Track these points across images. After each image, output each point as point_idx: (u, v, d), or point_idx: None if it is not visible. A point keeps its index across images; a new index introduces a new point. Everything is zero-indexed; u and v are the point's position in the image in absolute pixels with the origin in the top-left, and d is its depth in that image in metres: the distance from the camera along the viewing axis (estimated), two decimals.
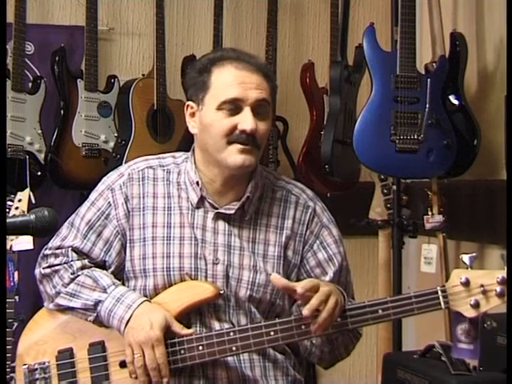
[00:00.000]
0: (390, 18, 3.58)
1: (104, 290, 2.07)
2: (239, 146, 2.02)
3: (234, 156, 2.03)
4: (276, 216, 2.13)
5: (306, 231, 2.14)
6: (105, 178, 2.18)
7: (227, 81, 2.04)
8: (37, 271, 2.19)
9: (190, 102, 2.12)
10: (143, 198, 2.12)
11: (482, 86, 3.46)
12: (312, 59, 3.82)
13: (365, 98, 3.25)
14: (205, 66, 2.09)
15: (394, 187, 3.40)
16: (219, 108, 2.03)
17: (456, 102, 3.33)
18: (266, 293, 2.08)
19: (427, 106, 3.17)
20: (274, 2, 3.77)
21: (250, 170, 2.11)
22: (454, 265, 3.30)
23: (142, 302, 2.04)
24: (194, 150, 2.16)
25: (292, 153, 3.80)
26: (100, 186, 2.17)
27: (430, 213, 3.33)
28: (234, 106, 2.03)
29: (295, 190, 2.18)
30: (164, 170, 2.15)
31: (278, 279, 1.97)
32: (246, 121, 2.01)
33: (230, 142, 2.03)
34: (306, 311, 1.92)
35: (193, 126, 2.12)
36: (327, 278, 2.11)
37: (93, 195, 2.17)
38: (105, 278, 2.10)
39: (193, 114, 2.11)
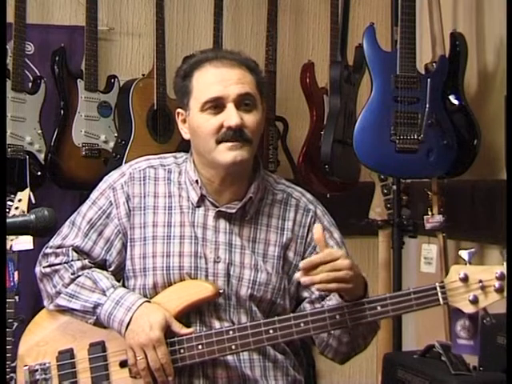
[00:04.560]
0: (390, 18, 3.58)
1: (103, 293, 2.07)
2: (228, 144, 2.01)
3: (224, 154, 2.02)
4: (276, 217, 2.13)
5: (308, 233, 2.14)
6: (106, 177, 2.19)
7: (207, 81, 2.04)
8: (37, 270, 2.19)
9: (179, 110, 2.13)
10: (144, 197, 2.12)
11: (481, 86, 3.46)
12: (312, 59, 3.82)
13: (365, 98, 3.25)
14: (186, 71, 2.09)
15: (394, 187, 3.40)
16: (203, 109, 2.04)
17: (456, 101, 3.33)
18: (267, 292, 2.08)
19: (427, 106, 3.17)
20: (273, 2, 3.77)
21: (250, 170, 2.11)
22: (453, 265, 3.29)
23: (141, 304, 2.04)
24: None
25: (292, 153, 3.80)
26: (101, 185, 2.17)
27: (430, 213, 3.33)
28: (216, 105, 2.02)
29: (295, 194, 2.18)
30: (165, 169, 2.16)
31: (318, 229, 1.95)
32: (229, 117, 2.01)
33: (218, 141, 2.02)
34: (301, 263, 1.91)
35: (185, 132, 2.13)
36: None
37: (94, 194, 2.17)
38: (104, 279, 2.10)
39: (184, 121, 2.12)
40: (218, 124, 2.02)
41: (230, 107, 2.02)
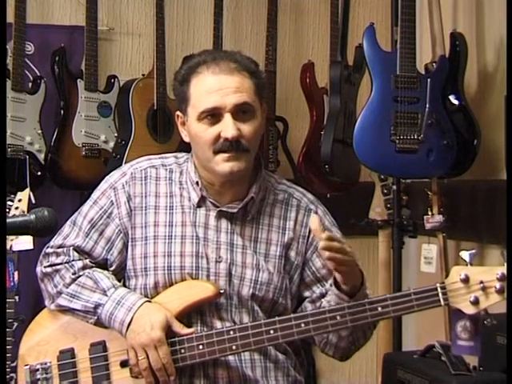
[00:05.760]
0: (390, 18, 3.58)
1: (104, 293, 2.08)
2: (224, 155, 2.01)
3: (221, 165, 2.02)
4: (278, 217, 2.13)
5: (310, 233, 2.14)
6: (107, 176, 2.19)
7: (204, 90, 2.02)
8: (38, 269, 2.19)
9: (178, 113, 2.13)
10: (145, 197, 2.12)
11: (481, 86, 3.46)
12: (312, 59, 3.82)
13: (365, 98, 3.25)
14: (184, 76, 2.08)
15: (394, 187, 3.40)
16: (200, 119, 2.03)
17: (456, 101, 3.33)
18: (269, 291, 2.09)
19: (427, 105, 3.17)
20: (273, 2, 3.76)
21: (250, 171, 2.11)
22: (453, 265, 3.28)
23: (142, 304, 2.04)
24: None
25: (292, 153, 3.80)
26: (103, 185, 2.17)
27: (430, 213, 3.33)
28: (213, 115, 2.01)
29: (296, 194, 2.18)
30: (166, 169, 2.16)
31: (315, 219, 1.95)
32: (226, 128, 2.00)
33: (216, 152, 2.02)
34: (323, 234, 1.89)
35: (185, 135, 2.13)
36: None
37: (95, 194, 2.17)
38: (105, 279, 2.10)
39: (183, 123, 2.12)
40: (216, 134, 2.01)
41: (227, 118, 2.00)
